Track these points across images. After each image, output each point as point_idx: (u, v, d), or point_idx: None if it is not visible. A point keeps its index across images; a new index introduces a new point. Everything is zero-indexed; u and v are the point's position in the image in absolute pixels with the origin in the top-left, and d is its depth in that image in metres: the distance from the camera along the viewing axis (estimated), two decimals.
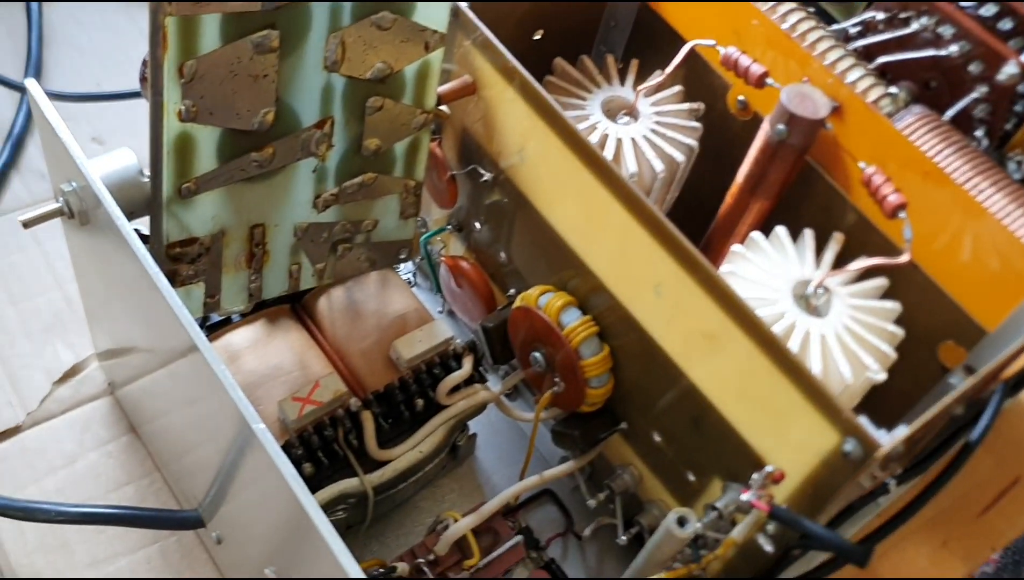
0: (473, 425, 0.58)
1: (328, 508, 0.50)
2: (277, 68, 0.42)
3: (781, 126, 0.51)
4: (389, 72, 0.46)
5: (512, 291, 0.59)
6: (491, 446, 0.62)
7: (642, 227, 0.46)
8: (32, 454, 0.57)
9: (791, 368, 0.42)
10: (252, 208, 0.46)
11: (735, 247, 0.52)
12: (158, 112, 0.40)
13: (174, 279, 0.45)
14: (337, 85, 0.45)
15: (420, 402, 0.52)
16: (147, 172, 0.43)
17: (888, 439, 0.39)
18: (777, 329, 0.48)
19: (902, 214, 0.49)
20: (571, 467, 0.55)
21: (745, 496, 0.42)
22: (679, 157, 0.55)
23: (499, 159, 0.54)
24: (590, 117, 0.55)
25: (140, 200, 0.44)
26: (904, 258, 0.48)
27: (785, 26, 0.55)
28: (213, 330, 0.53)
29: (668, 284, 0.46)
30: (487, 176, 0.55)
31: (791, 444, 0.43)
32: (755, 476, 0.42)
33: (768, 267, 0.51)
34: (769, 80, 0.53)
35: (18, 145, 0.71)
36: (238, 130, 0.43)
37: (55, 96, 0.70)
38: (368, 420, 0.50)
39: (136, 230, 0.41)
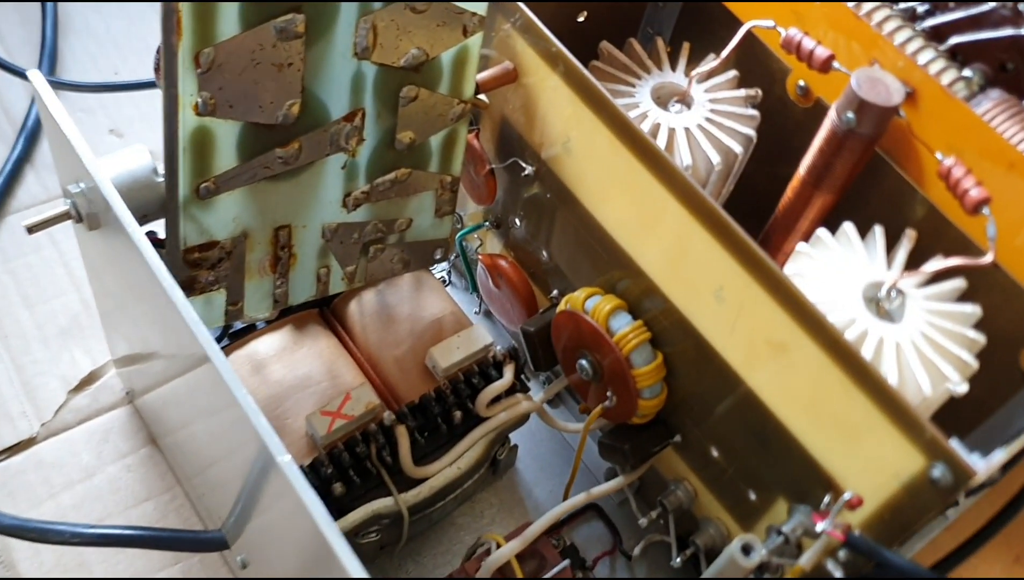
0: (514, 435, 0.54)
1: (360, 529, 0.47)
2: (303, 56, 0.38)
3: (850, 114, 0.46)
4: (424, 59, 0.42)
5: (555, 293, 0.55)
6: (532, 456, 0.58)
7: (701, 225, 0.42)
8: (48, 468, 0.55)
9: (869, 381, 0.38)
10: (277, 208, 0.43)
11: (800, 245, 0.48)
12: (173, 105, 0.37)
13: (193, 286, 0.42)
14: (368, 74, 0.41)
15: (458, 414, 0.49)
16: (162, 170, 0.40)
17: (983, 465, 0.35)
18: (848, 336, 0.44)
19: (985, 210, 0.45)
20: (620, 483, 0.51)
21: (820, 526, 0.38)
22: (737, 148, 0.51)
23: (542, 151, 0.50)
24: (640, 105, 0.51)
25: (154, 201, 0.41)
26: (987, 258, 0.44)
27: (848, 5, 0.51)
28: (237, 337, 0.50)
29: (730, 288, 0.42)
30: (528, 169, 0.51)
31: (868, 465, 0.39)
32: (829, 500, 0.39)
33: (836, 267, 0.47)
34: (836, 64, 0.49)
35: (32, 139, 0.68)
36: (261, 124, 0.39)
37: (70, 86, 0.67)
38: (403, 435, 0.46)
39: (151, 233, 0.38)
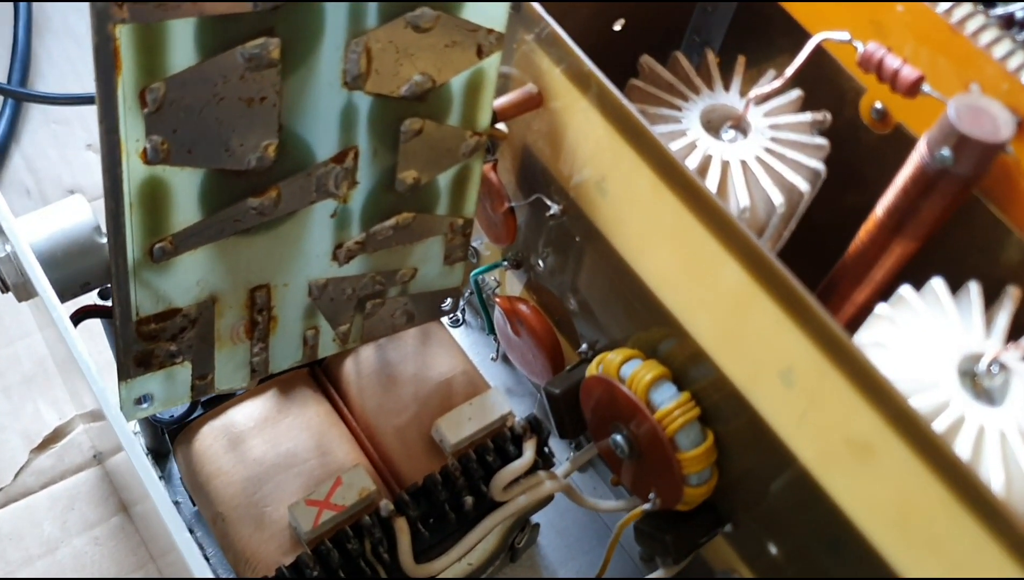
0: None
1: None
2: (279, 88, 0.31)
3: (945, 151, 0.39)
4: (430, 86, 0.35)
5: (584, 346, 0.48)
6: (557, 530, 0.51)
7: (766, 291, 0.35)
8: (4, 540, 0.48)
9: (977, 497, 0.31)
10: (252, 266, 0.36)
11: (879, 308, 0.40)
12: (114, 153, 0.30)
13: (149, 361, 0.35)
14: (361, 106, 0.34)
15: (469, 500, 0.42)
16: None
17: None
18: (941, 423, 0.37)
19: None
20: (661, 578, 0.44)
21: None
22: (803, 186, 0.43)
23: (570, 187, 0.43)
24: (688, 133, 0.44)
25: (98, 266, 0.34)
26: None
27: (937, 9, 0.43)
28: (212, 404, 0.43)
29: (801, 370, 0.35)
30: (554, 208, 0.44)
31: None
32: None
33: (924, 335, 0.39)
34: (926, 87, 0.41)
35: (1, 155, 0.62)
36: (229, 171, 0.32)
37: (41, 98, 0.60)
38: (402, 530, 0.40)
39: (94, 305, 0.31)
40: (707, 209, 0.36)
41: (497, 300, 0.51)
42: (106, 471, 0.51)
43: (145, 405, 0.37)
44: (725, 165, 0.43)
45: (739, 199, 0.42)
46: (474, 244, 0.55)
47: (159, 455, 0.50)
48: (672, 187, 0.37)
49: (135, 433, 0.50)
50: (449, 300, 0.45)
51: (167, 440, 0.44)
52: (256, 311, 0.37)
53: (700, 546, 0.44)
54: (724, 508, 0.43)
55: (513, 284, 0.53)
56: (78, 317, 0.35)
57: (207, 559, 0.47)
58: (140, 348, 0.35)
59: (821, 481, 0.36)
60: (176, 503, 0.48)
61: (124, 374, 0.35)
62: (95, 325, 0.41)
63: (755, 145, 0.44)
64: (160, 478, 0.49)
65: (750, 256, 0.35)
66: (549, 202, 0.44)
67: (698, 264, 0.38)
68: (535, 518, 0.49)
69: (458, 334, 0.59)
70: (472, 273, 0.52)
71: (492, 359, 0.57)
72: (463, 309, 0.59)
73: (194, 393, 0.38)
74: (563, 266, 0.47)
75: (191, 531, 0.48)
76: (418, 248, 0.41)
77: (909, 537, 0.34)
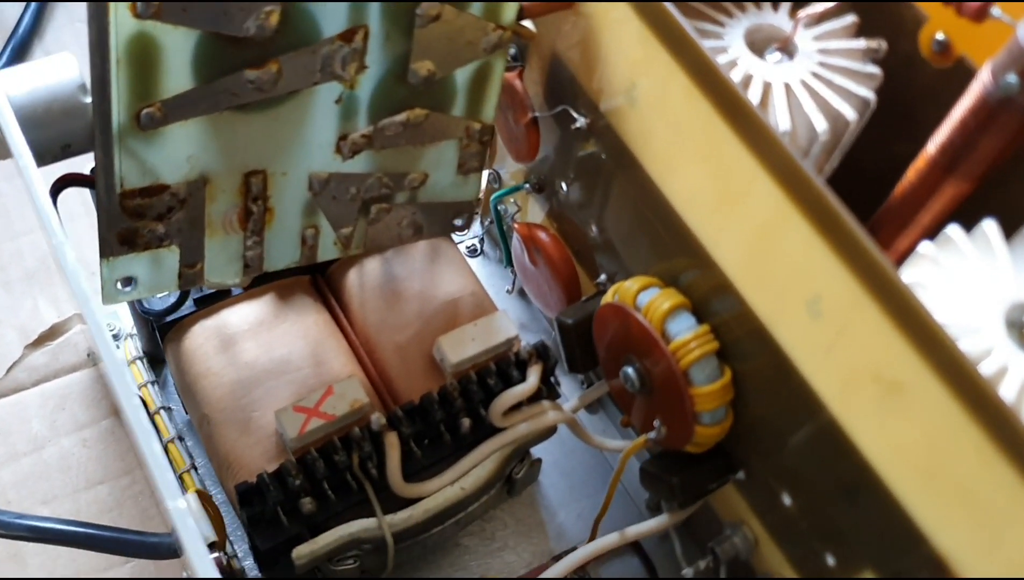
0: (539, 445, 0.45)
1: (335, 555, 0.38)
2: None
3: (1011, 77, 0.35)
4: None
5: (603, 277, 0.45)
6: (561, 470, 0.49)
7: (799, 210, 0.32)
8: None
9: (1020, 446, 0.28)
10: (248, 148, 0.34)
11: (922, 246, 0.37)
12: (99, 3, 0.27)
13: (134, 240, 0.33)
14: None
15: (466, 422, 0.40)
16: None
17: None
18: (982, 371, 0.34)
19: None
20: (663, 524, 0.42)
21: None
22: (849, 113, 0.40)
23: (600, 99, 0.40)
24: (728, 50, 0.41)
25: (82, 129, 0.32)
26: None
27: None
28: (207, 302, 0.41)
29: (831, 298, 0.32)
30: (581, 121, 0.41)
31: (1009, 558, 0.29)
32: None
33: (970, 279, 0.36)
34: (995, 11, 0.37)
35: (23, 51, 0.60)
36: (226, 36, 0.30)
37: None
38: (393, 445, 0.37)
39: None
40: (742, 117, 0.33)
41: (515, 226, 0.49)
42: (100, 373, 0.50)
43: (128, 289, 0.35)
44: (767, 86, 0.40)
45: (779, 122, 0.39)
46: (497, 169, 0.52)
47: (155, 360, 0.48)
48: (707, 93, 0.34)
49: (131, 335, 0.48)
50: (462, 216, 0.42)
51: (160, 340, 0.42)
52: (251, 199, 0.35)
53: (709, 492, 0.42)
54: (737, 453, 0.41)
55: (535, 213, 0.50)
56: (60, 185, 0.33)
57: (195, 468, 0.45)
58: (124, 224, 0.33)
59: (843, 422, 0.33)
60: (168, 409, 0.47)
61: (106, 251, 0.33)
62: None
63: (801, 68, 0.41)
64: (154, 383, 0.47)
65: (785, 169, 0.32)
66: (575, 115, 0.41)
67: (729, 181, 0.35)
68: (538, 454, 0.46)
69: (475, 265, 0.56)
70: (492, 196, 0.50)
71: (508, 291, 0.55)
72: (481, 238, 0.57)
73: (181, 282, 0.36)
74: (586, 188, 0.44)
75: (181, 439, 0.46)
76: (430, 151, 0.38)
77: (936, 488, 0.31)
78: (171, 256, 0.35)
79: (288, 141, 0.34)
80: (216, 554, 0.40)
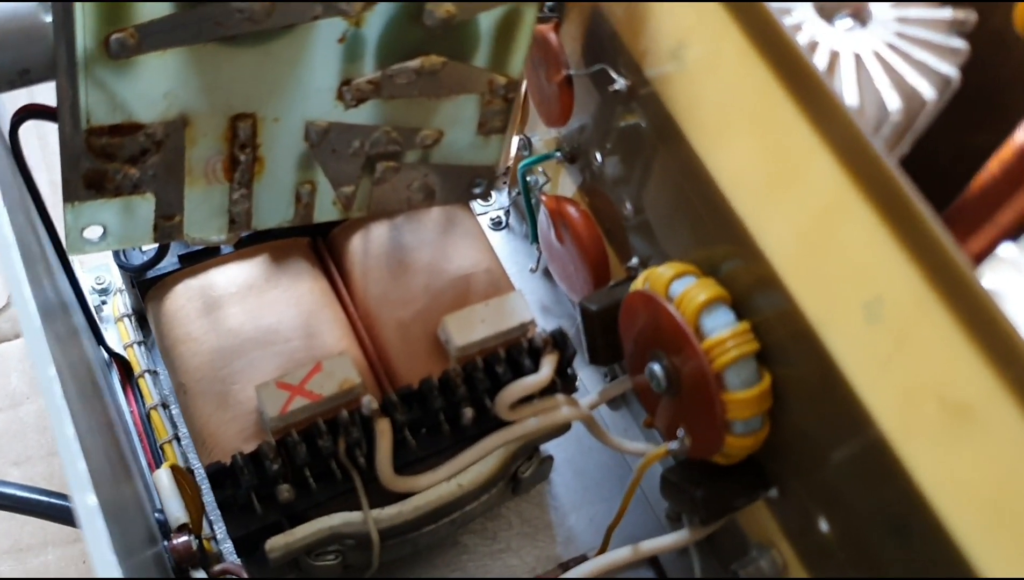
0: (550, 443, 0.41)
1: (314, 548, 0.34)
2: None
3: None
4: None
5: (635, 261, 0.41)
6: (575, 469, 0.45)
7: (865, 196, 0.28)
8: None
9: None
10: (235, 88, 0.30)
11: (1003, 249, 0.33)
12: None
13: (102, 184, 0.30)
14: None
15: (468, 412, 0.36)
16: None
17: None
18: None
19: None
20: (683, 539, 0.38)
21: None
22: (927, 92, 0.35)
23: (643, 60, 0.36)
24: (792, 12, 0.36)
25: (43, 51, 0.28)
26: None
27: None
28: (193, 260, 0.38)
29: (894, 302, 0.28)
30: (620, 83, 0.37)
31: None
32: None
33: None
34: None
35: None
36: None
37: None
38: (384, 434, 0.34)
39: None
40: (805, 84, 0.29)
41: (543, 198, 0.45)
42: None
43: (96, 238, 0.31)
44: (834, 56, 0.35)
45: (845, 96, 0.34)
46: (528, 135, 0.48)
47: (145, 319, 0.45)
48: (766, 56, 0.30)
49: (120, 290, 0.45)
50: (481, 183, 0.38)
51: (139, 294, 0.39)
52: (238, 146, 0.31)
53: (735, 509, 0.37)
54: (772, 468, 0.36)
55: (566, 185, 0.46)
56: (21, 117, 0.30)
57: (178, 439, 0.42)
58: (91, 165, 0.29)
59: (897, 446, 0.29)
60: (154, 373, 0.43)
61: (71, 195, 0.30)
62: None
63: (875, 38, 0.36)
64: (141, 344, 0.44)
65: (852, 147, 0.28)
66: (615, 75, 0.37)
67: (784, 159, 0.31)
68: (551, 451, 0.42)
69: (498, 239, 0.52)
70: (520, 164, 0.46)
71: (531, 270, 0.51)
72: (507, 210, 0.53)
73: (158, 235, 0.32)
74: (623, 161, 0.40)
75: (165, 406, 0.43)
76: (447, 106, 0.34)
77: (1002, 532, 0.27)
78: (145, 205, 0.31)
79: (282, 83, 0.31)
80: (185, 538, 0.36)
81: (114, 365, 0.44)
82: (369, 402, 0.34)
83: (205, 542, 0.40)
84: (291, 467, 0.34)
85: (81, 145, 0.29)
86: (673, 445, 0.35)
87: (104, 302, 0.46)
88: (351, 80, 0.32)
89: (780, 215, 0.32)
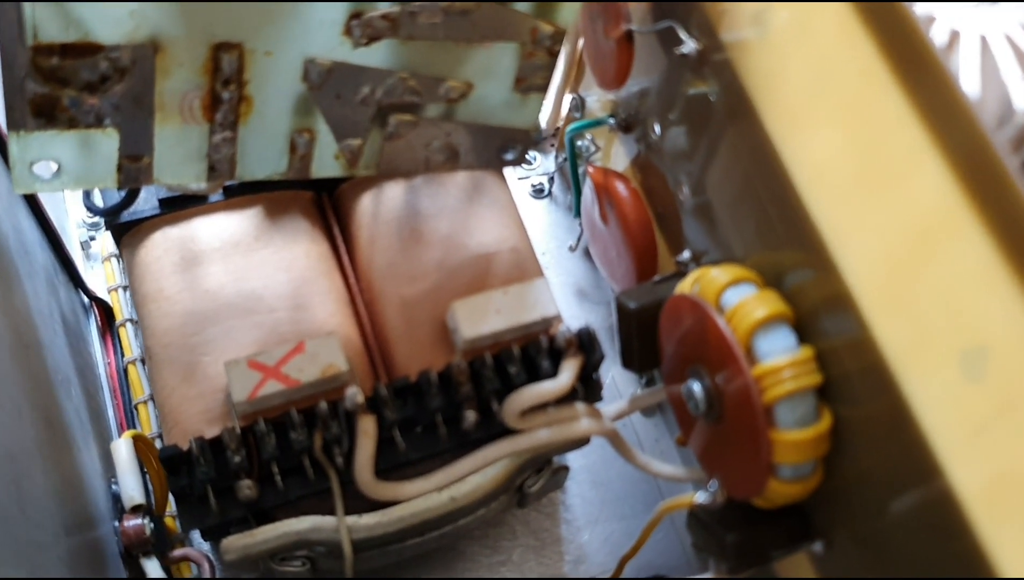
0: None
1: (279, 552, 0.30)
2: None
3: None
4: None
5: (686, 255, 0.36)
6: (592, 478, 0.42)
7: (982, 216, 0.23)
8: None
9: None
10: (218, 12, 0.25)
11: None
12: None
13: (53, 114, 0.25)
14: None
15: (471, 415, 0.31)
16: None
17: None
18: None
19: None
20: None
21: None
22: None
23: (720, 22, 0.31)
24: None
25: None
26: None
27: None
28: (173, 206, 0.33)
29: (1002, 357, 0.23)
30: (690, 46, 0.32)
31: None
32: None
33: None
34: None
35: None
36: None
37: None
38: (367, 433, 0.29)
39: None
40: (919, 66, 0.23)
41: (590, 170, 0.39)
42: None
43: (48, 176, 0.27)
44: (954, 36, 0.29)
45: (963, 84, 0.28)
46: (582, 95, 0.43)
47: None
48: (869, 25, 0.24)
49: (89, 225, 0.41)
50: (515, 148, 0.33)
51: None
52: (220, 81, 0.27)
53: (770, 560, 0.32)
54: (819, 519, 0.31)
55: (619, 157, 0.41)
56: None
57: (155, 401, 0.38)
58: (38, 90, 0.25)
59: (981, 533, 0.24)
60: (137, 322, 0.39)
61: (16, 123, 0.26)
62: None
63: (1007, 17, 0.30)
64: (127, 288, 0.40)
65: (969, 150, 0.22)
66: (684, 36, 0.31)
67: (880, 155, 0.25)
68: (569, 458, 0.38)
69: (538, 209, 0.47)
70: (570, 127, 0.40)
71: (570, 249, 0.45)
72: (551, 178, 0.48)
73: (122, 177, 0.28)
74: (685, 136, 0.35)
75: (144, 361, 0.39)
76: (479, 54, 0.29)
77: None
78: (107, 142, 0.27)
79: (277, 9, 0.26)
80: (137, 521, 0.33)
81: (94, 310, 0.40)
82: (354, 395, 0.29)
83: (170, 520, 0.36)
84: (257, 460, 0.29)
85: (26, 65, 0.24)
86: (701, 497, 0.30)
87: (93, 238, 0.42)
88: (362, 14, 0.27)
89: (866, 226, 0.26)
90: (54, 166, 0.27)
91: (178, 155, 0.28)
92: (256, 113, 0.28)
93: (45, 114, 0.26)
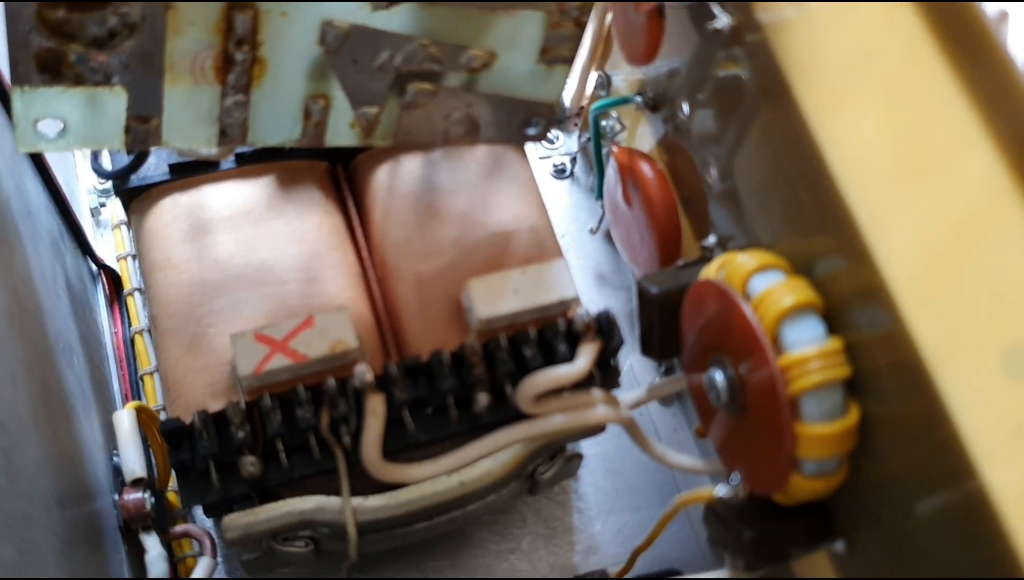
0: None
1: (281, 531, 0.29)
2: None
3: None
4: None
5: (712, 239, 0.35)
6: (606, 467, 0.41)
7: None
8: None
9: None
10: None
11: None
12: None
13: (59, 70, 0.24)
14: None
15: (484, 398, 0.30)
16: None
17: None
18: None
19: None
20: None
21: None
22: None
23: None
24: None
25: None
26: None
27: None
28: (184, 172, 0.32)
29: None
30: (723, 21, 0.31)
31: None
32: None
33: None
34: None
35: None
36: None
37: None
38: (376, 413, 0.28)
39: None
40: (972, 44, 0.22)
41: (614, 149, 0.38)
42: None
43: (53, 134, 0.26)
44: (1002, 15, 0.28)
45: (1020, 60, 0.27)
46: (608, 72, 0.41)
47: None
48: (921, 10, 0.23)
49: (101, 191, 0.40)
50: (538, 122, 0.32)
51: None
52: (234, 42, 0.26)
53: (789, 559, 0.31)
54: (842, 517, 0.30)
55: (645, 137, 0.40)
56: None
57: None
58: (44, 44, 0.24)
59: (1015, 538, 0.22)
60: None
61: (20, 78, 0.25)
62: None
63: None
64: (136, 257, 0.39)
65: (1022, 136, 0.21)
66: (717, 10, 0.30)
67: (923, 139, 0.24)
68: (583, 445, 0.37)
69: (560, 190, 0.46)
70: (594, 105, 0.39)
71: (591, 231, 0.44)
72: (574, 158, 0.46)
73: (130, 138, 0.27)
74: (715, 117, 0.33)
75: (151, 331, 0.38)
76: (503, 22, 0.28)
77: None
78: (115, 101, 0.26)
79: None
80: (138, 495, 0.32)
81: (102, 279, 0.40)
82: (363, 372, 0.28)
83: (173, 496, 0.35)
84: (262, 436, 0.29)
85: (31, 17, 0.23)
86: (722, 491, 0.29)
87: (103, 205, 0.42)
88: None
89: (906, 214, 0.25)
90: (59, 125, 0.26)
91: (188, 118, 0.27)
92: (270, 76, 0.27)
93: (50, 70, 0.25)
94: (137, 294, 0.39)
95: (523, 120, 0.32)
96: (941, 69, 0.23)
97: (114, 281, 0.40)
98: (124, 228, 0.40)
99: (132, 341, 0.38)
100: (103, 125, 0.27)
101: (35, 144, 0.27)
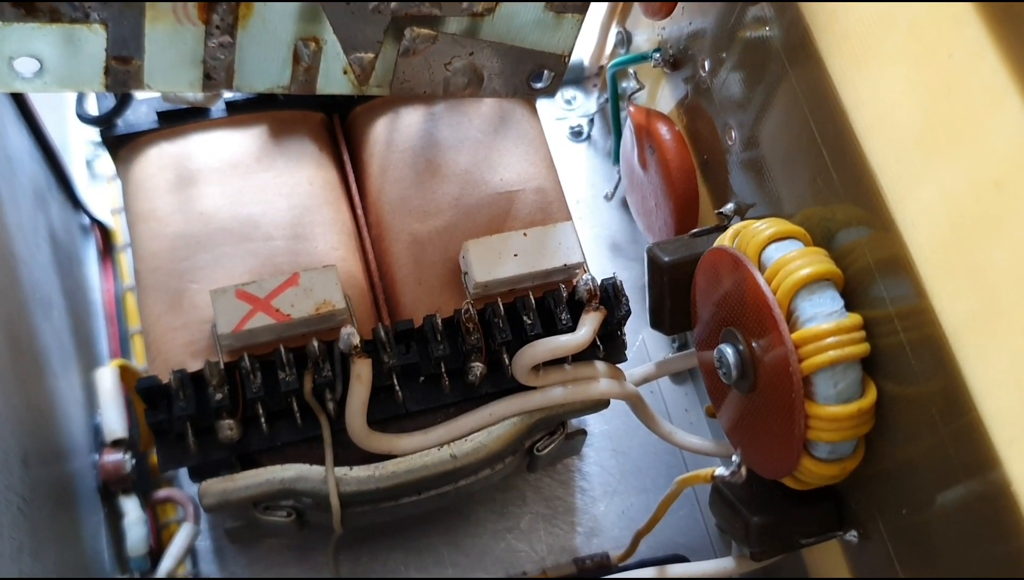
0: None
1: (261, 500, 0.29)
2: None
3: None
4: None
5: (730, 206, 0.34)
6: (612, 445, 0.40)
7: None
8: None
9: None
10: None
11: None
12: None
13: (33, 4, 0.23)
14: None
15: (478, 367, 0.29)
16: None
17: None
18: None
19: None
20: (727, 571, 0.31)
21: None
22: None
23: None
24: None
25: None
26: None
27: None
28: (172, 120, 0.32)
29: None
30: None
31: None
32: None
33: None
34: None
35: None
36: None
37: None
38: (362, 379, 0.28)
39: None
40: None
41: (631, 109, 0.37)
42: None
43: (29, 74, 0.26)
44: None
45: None
46: (627, 29, 0.40)
47: None
48: None
49: (96, 143, 0.40)
50: (547, 75, 0.30)
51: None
52: None
53: (798, 547, 0.30)
54: (855, 506, 0.29)
55: (664, 98, 0.38)
56: None
57: None
58: None
59: None
60: None
61: None
62: None
63: None
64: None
65: None
66: None
67: (954, 101, 0.23)
68: (588, 422, 0.36)
69: (576, 153, 0.45)
70: (611, 63, 0.38)
71: (606, 197, 0.43)
72: (592, 120, 0.45)
73: (109, 80, 0.26)
74: (739, 78, 0.32)
75: None
76: None
77: None
78: (94, 40, 0.25)
79: None
80: (117, 456, 0.31)
81: (95, 233, 0.39)
82: (349, 335, 0.28)
83: (155, 459, 0.35)
84: (241, 399, 0.28)
85: None
86: (722, 470, 0.28)
87: (98, 156, 0.41)
88: None
89: (933, 181, 0.24)
90: (36, 64, 0.26)
91: (170, 59, 0.26)
92: (257, 16, 0.26)
93: (24, 3, 0.24)
94: (130, 250, 0.38)
95: (530, 72, 0.30)
96: (973, 23, 0.22)
97: (107, 236, 0.39)
98: (119, 181, 0.39)
99: (122, 298, 0.38)
100: (81, 65, 0.26)
101: (10, 83, 0.26)
